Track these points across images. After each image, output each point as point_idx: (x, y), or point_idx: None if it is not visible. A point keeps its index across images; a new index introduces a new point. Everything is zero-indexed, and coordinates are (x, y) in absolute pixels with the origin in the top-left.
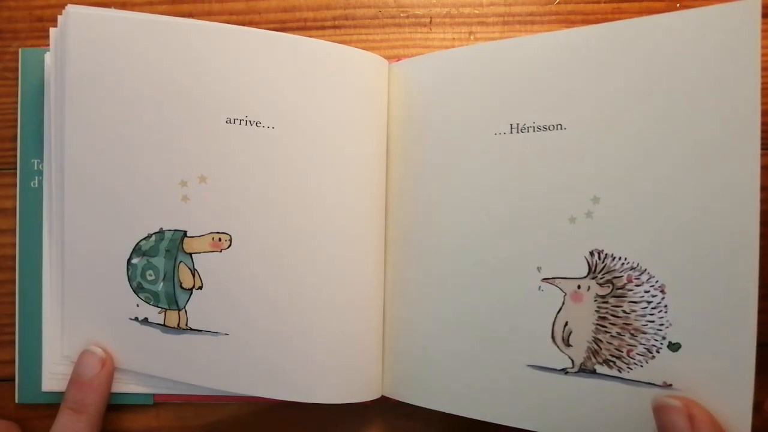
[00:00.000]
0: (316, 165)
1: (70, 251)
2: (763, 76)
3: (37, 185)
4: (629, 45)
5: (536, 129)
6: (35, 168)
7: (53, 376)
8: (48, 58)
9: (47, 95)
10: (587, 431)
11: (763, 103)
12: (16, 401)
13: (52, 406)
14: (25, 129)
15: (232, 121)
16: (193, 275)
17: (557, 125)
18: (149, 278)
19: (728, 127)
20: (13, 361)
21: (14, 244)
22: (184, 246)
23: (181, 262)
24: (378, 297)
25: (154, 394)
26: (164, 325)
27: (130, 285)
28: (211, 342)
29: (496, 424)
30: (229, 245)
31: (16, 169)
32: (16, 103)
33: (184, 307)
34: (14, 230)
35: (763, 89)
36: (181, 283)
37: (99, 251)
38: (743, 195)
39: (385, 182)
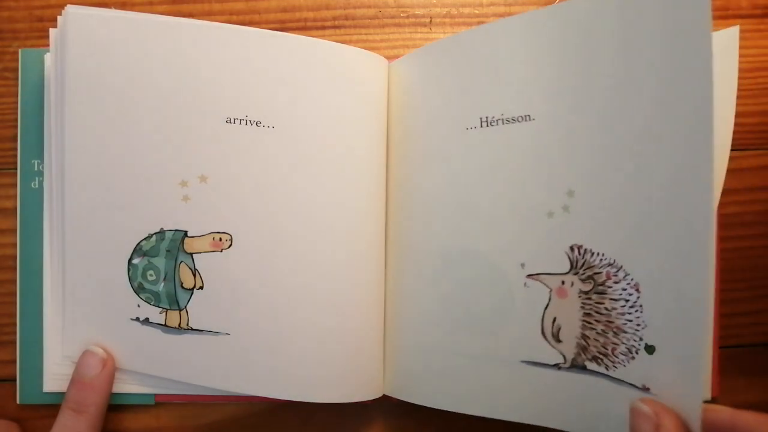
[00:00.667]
0: (316, 164)
1: (70, 252)
2: (761, 76)
3: (37, 186)
4: (591, 22)
5: (505, 122)
6: (35, 168)
7: (54, 377)
8: (48, 58)
9: (47, 96)
10: (579, 426)
11: (762, 104)
12: (18, 401)
13: (53, 406)
14: (26, 129)
15: (233, 120)
16: (194, 275)
17: (525, 116)
18: (150, 278)
19: (694, 117)
20: (15, 362)
21: (15, 244)
22: (184, 246)
23: (181, 262)
24: (378, 296)
25: (155, 394)
26: (165, 325)
27: (131, 285)
28: (212, 342)
29: (496, 421)
30: (230, 245)
31: (16, 169)
32: (16, 103)
33: (185, 307)
34: (15, 230)
35: (762, 89)
36: (182, 283)
37: (100, 251)
38: (697, 190)
39: (385, 181)
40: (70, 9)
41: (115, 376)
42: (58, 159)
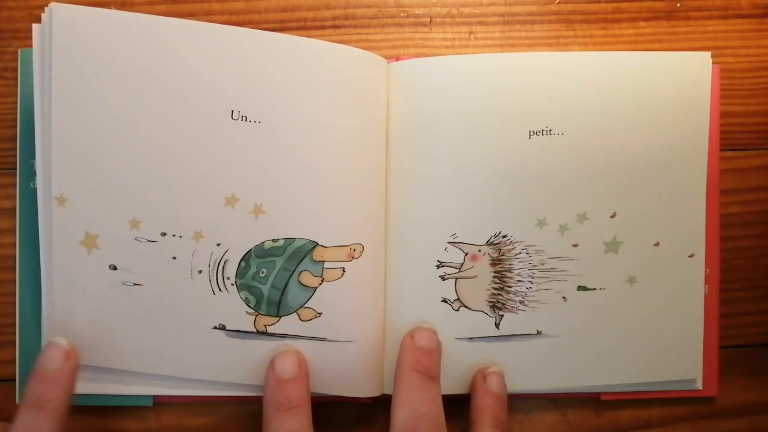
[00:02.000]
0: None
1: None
2: (761, 76)
3: (36, 186)
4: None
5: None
6: (35, 168)
7: None
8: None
9: (36, 95)
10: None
11: (762, 104)
12: (17, 401)
13: None
14: (25, 129)
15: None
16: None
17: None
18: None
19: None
20: (14, 362)
21: (14, 244)
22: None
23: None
24: (379, 293)
25: (154, 395)
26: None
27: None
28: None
29: None
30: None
31: (15, 169)
32: (16, 103)
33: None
34: (14, 230)
35: (762, 89)
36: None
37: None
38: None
39: (384, 181)
40: (55, 7)
41: (116, 377)
42: (45, 160)
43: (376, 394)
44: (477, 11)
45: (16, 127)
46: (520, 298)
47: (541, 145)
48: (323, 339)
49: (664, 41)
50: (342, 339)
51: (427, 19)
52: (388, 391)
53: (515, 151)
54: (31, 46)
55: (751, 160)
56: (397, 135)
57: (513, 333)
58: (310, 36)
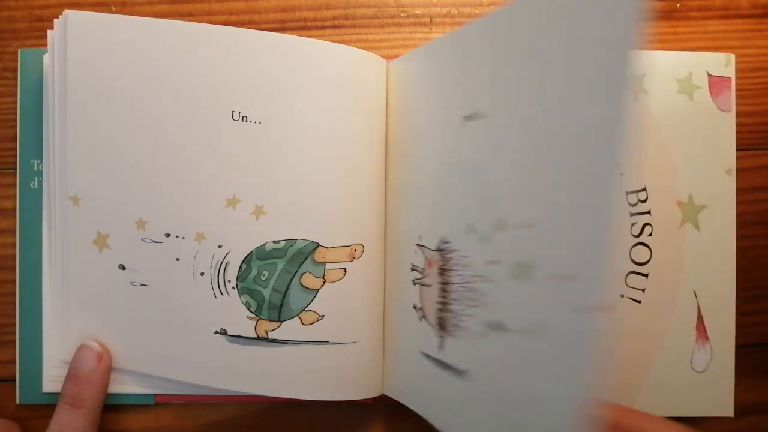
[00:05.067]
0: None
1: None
2: (761, 76)
3: (36, 186)
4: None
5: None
6: (35, 168)
7: (53, 378)
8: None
9: (46, 97)
10: None
11: (762, 104)
12: (17, 402)
13: (52, 407)
14: (25, 129)
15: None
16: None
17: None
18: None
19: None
20: (14, 362)
21: (14, 244)
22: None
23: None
24: (379, 292)
25: (155, 394)
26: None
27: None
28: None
29: None
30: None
31: (15, 169)
32: (16, 103)
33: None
34: (14, 230)
35: (762, 89)
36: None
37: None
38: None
39: (384, 182)
40: (70, 14)
41: (114, 376)
42: (61, 161)
43: (376, 394)
44: (477, 11)
45: (16, 127)
46: (456, 320)
47: (474, 132)
48: (326, 342)
49: (664, 41)
50: (345, 341)
51: (427, 19)
52: (387, 392)
53: (453, 141)
54: (31, 46)
55: (752, 160)
56: (396, 134)
57: (448, 362)
58: (310, 36)
